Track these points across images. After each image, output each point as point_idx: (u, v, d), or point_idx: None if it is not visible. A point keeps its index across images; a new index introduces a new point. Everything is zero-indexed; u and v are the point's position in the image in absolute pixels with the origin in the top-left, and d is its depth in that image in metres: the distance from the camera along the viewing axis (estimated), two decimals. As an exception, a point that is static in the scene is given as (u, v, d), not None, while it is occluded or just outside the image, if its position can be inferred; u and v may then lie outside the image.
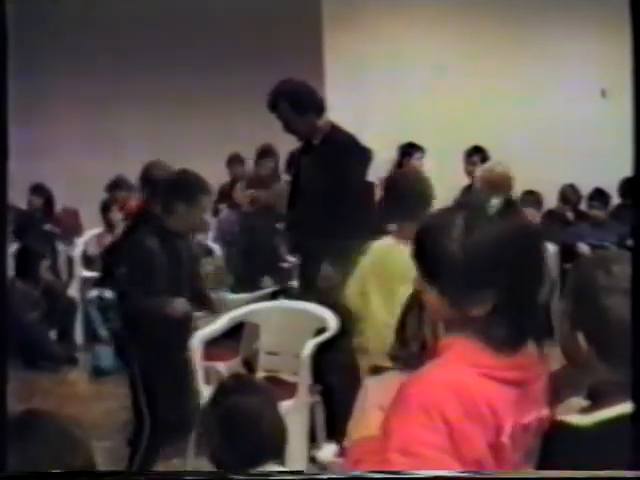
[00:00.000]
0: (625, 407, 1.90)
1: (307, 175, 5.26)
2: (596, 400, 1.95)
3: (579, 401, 2.01)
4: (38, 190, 8.55)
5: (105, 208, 7.86)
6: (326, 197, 4.98)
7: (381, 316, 4.04)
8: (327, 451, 4.36)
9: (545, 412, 1.96)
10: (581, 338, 1.95)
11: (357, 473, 1.90)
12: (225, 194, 8.41)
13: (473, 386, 1.86)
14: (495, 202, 1.95)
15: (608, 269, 1.94)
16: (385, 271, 4.16)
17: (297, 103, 5.15)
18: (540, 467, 1.95)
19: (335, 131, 5.27)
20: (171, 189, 4.74)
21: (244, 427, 2.71)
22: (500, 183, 5.13)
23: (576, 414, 1.96)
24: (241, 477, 2.44)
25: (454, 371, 1.89)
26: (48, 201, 8.60)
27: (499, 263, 1.89)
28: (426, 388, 1.88)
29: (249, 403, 2.77)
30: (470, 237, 1.90)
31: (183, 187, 4.69)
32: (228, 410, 2.76)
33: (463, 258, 1.88)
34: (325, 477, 1.97)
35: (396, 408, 1.90)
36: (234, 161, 8.82)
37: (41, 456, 1.82)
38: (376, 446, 1.93)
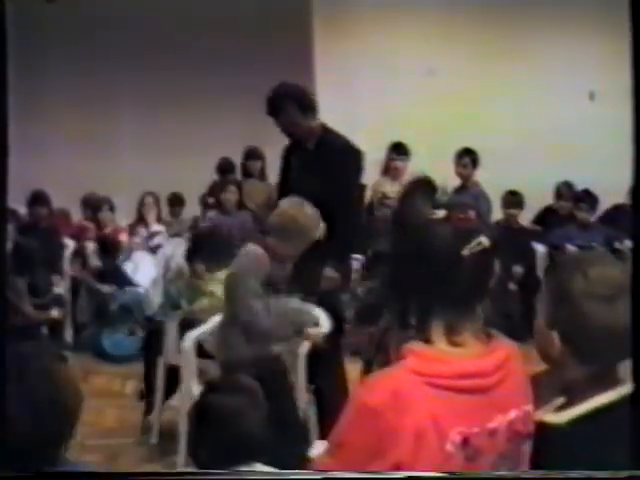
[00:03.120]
0: (596, 400, 1.97)
1: (301, 179, 5.22)
2: (570, 396, 2.02)
3: (559, 399, 2.06)
4: (39, 198, 8.30)
5: None
6: (323, 201, 4.87)
7: None
8: (318, 449, 4.39)
9: (513, 415, 1.99)
10: (556, 337, 2.01)
11: (347, 474, 1.93)
12: (212, 195, 8.50)
13: (414, 394, 1.89)
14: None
15: (585, 273, 1.98)
16: None
17: (303, 104, 5.13)
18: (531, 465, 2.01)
19: (328, 134, 5.25)
20: None
21: (224, 427, 2.73)
22: None
23: (552, 412, 2.02)
24: (241, 477, 2.47)
25: (398, 379, 1.93)
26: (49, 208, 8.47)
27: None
28: (368, 392, 1.95)
29: (231, 403, 2.78)
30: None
31: None
32: (210, 409, 2.79)
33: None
34: (320, 477, 2.00)
35: (346, 407, 1.98)
36: (224, 166, 8.88)
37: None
38: None
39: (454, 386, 1.91)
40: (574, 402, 1.99)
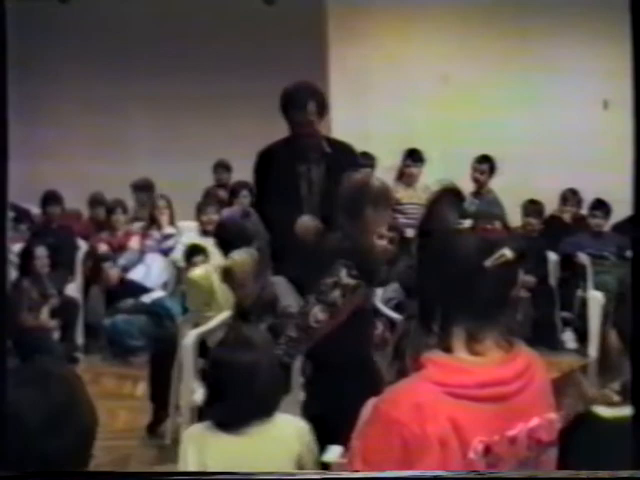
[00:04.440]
0: None
1: (320, 182, 5.01)
2: (624, 396, 2.05)
3: (612, 395, 2.10)
4: (52, 198, 8.45)
5: None
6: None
7: None
8: (333, 453, 4.41)
9: (535, 423, 2.00)
10: (614, 336, 2.07)
11: (353, 474, 1.96)
12: (212, 196, 8.60)
13: (436, 405, 1.91)
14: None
15: None
16: None
17: (322, 104, 4.94)
18: (564, 453, 2.03)
19: (327, 137, 5.21)
20: None
21: (237, 383, 2.76)
22: None
23: (606, 407, 2.05)
24: (240, 477, 2.47)
25: (419, 390, 1.94)
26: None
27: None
28: (391, 404, 1.96)
29: (243, 359, 2.80)
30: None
31: None
32: (222, 365, 2.82)
33: None
34: (319, 477, 2.01)
35: (368, 417, 2.00)
36: (220, 167, 9.02)
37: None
38: None
39: (475, 395, 1.93)
40: (627, 402, 2.02)
